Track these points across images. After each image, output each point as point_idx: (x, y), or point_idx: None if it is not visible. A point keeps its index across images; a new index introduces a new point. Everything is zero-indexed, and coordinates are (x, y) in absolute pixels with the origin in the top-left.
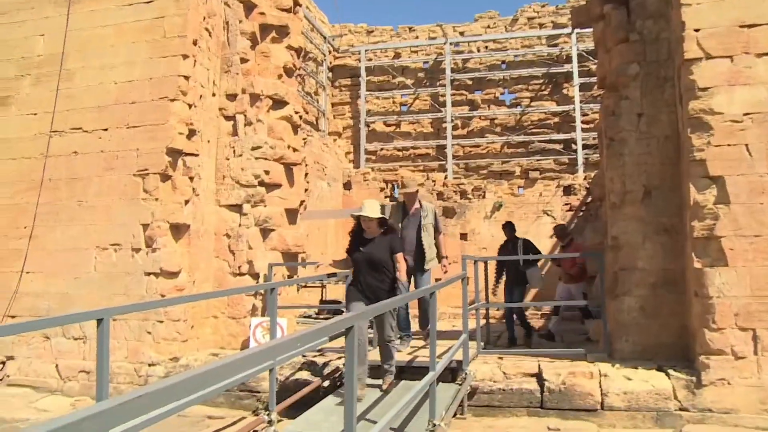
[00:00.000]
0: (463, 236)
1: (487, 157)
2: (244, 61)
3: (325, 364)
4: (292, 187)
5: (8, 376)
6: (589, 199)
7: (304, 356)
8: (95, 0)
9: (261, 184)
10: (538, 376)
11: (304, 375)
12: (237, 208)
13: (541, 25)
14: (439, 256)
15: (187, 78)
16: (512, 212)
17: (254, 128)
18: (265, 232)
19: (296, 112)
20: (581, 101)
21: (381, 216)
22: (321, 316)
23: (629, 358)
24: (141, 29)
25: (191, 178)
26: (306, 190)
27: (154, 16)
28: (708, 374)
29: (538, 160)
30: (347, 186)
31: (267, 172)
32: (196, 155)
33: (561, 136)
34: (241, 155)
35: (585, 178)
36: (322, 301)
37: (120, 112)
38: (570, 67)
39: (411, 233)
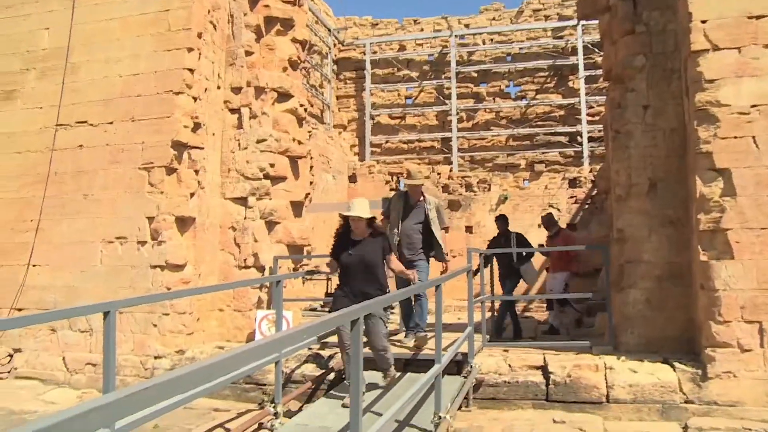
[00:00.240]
0: (469, 229)
1: (493, 150)
2: (248, 53)
3: (331, 357)
4: (297, 179)
5: (16, 368)
6: (595, 191)
7: (309, 349)
8: None
9: (266, 176)
10: (544, 369)
11: (310, 368)
12: (242, 200)
13: (547, 17)
14: (440, 254)
15: (192, 71)
16: (518, 205)
17: (259, 121)
18: (271, 225)
19: (301, 105)
20: (587, 93)
21: (371, 216)
22: (326, 309)
23: (634, 351)
24: (146, 22)
25: (196, 171)
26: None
27: (158, 9)
28: (714, 367)
29: (543, 153)
30: (352, 179)
31: (272, 165)
32: (201, 148)
33: (566, 128)
34: (246, 148)
35: (590, 171)
36: (327, 294)
37: (125, 106)
38: (575, 59)
39: (412, 225)
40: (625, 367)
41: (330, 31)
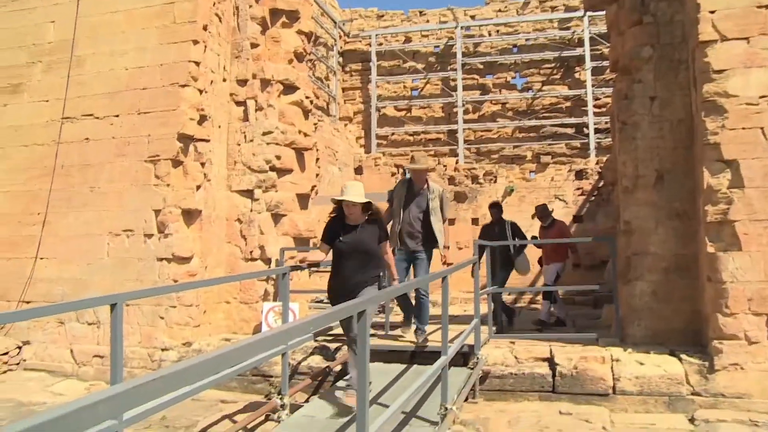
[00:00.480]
0: (475, 221)
1: (499, 142)
2: (254, 46)
3: (338, 349)
4: (303, 172)
5: (24, 360)
6: (601, 183)
7: (316, 341)
8: None
9: (272, 169)
10: (550, 361)
11: (317, 359)
12: (248, 193)
13: (553, 8)
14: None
15: (197, 64)
16: (524, 197)
17: (265, 113)
18: (277, 217)
19: (307, 97)
20: (593, 85)
21: (366, 201)
22: None
23: (641, 343)
24: (151, 15)
25: (202, 164)
26: (317, 175)
27: (163, 1)
28: (721, 359)
29: (549, 145)
30: (358, 171)
31: (278, 158)
32: (207, 141)
33: (573, 120)
34: (252, 140)
35: (597, 163)
36: None
37: (131, 99)
38: (582, 50)
39: (413, 213)
40: (631, 359)
41: (335, 22)
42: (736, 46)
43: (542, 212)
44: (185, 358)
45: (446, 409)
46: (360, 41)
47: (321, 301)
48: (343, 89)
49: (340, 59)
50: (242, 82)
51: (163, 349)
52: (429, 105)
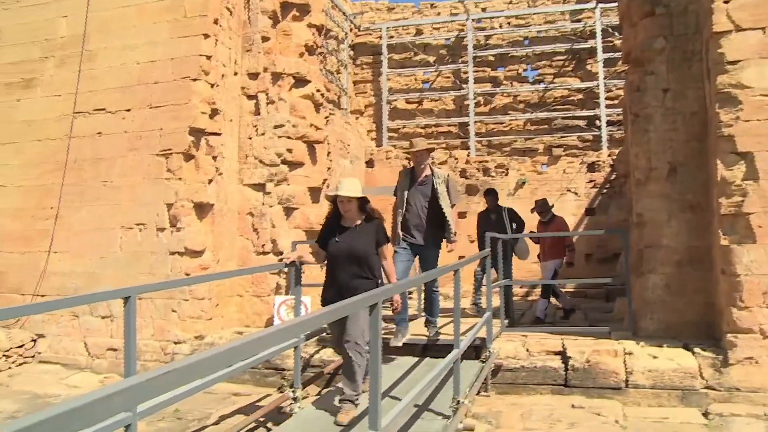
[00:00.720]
0: None
1: (510, 134)
2: (265, 39)
3: None
4: (314, 165)
5: (39, 353)
6: (614, 176)
7: (328, 333)
8: None
9: (284, 162)
10: (562, 354)
11: (329, 353)
12: (260, 186)
13: (565, 0)
14: (449, 234)
15: (208, 57)
16: (536, 189)
17: (276, 107)
18: (288, 211)
19: (318, 91)
20: (605, 77)
21: (362, 196)
22: None
23: (654, 336)
24: (162, 9)
25: (214, 158)
26: (329, 168)
27: None
28: (735, 353)
29: (561, 137)
30: (370, 164)
31: (290, 151)
32: (219, 134)
33: (585, 112)
34: (263, 134)
35: (609, 155)
36: None
37: (143, 93)
38: (594, 42)
39: (418, 203)
40: (644, 353)
41: (346, 16)
42: (751, 37)
43: (542, 207)
44: (198, 351)
45: (458, 402)
46: (371, 34)
47: None
48: (354, 82)
49: (351, 52)
50: (253, 76)
51: (175, 342)
52: (440, 98)
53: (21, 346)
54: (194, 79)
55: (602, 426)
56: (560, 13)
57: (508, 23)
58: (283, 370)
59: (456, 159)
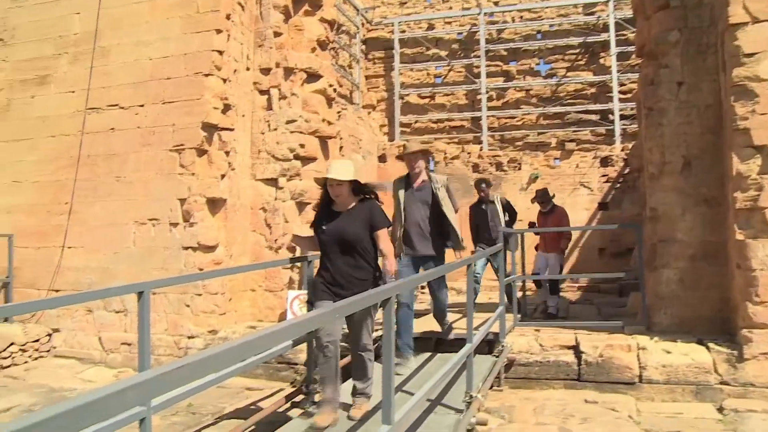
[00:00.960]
0: None
1: (523, 129)
2: (277, 34)
3: None
4: (327, 160)
5: (54, 347)
6: (627, 170)
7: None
8: None
9: (296, 157)
10: (575, 349)
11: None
12: (273, 181)
13: None
14: (456, 242)
15: (221, 53)
16: (548, 184)
17: (289, 102)
18: (301, 206)
19: (330, 86)
20: (618, 71)
21: (353, 179)
22: None
23: (668, 331)
24: (174, 5)
25: (227, 153)
26: None
27: None
28: (750, 348)
29: (574, 132)
30: (382, 159)
31: (302, 146)
32: (232, 130)
33: (598, 106)
34: (276, 129)
35: (622, 149)
36: None
37: (155, 88)
38: (607, 36)
39: (418, 213)
40: (658, 348)
41: (358, 10)
42: None
43: (542, 197)
44: (211, 345)
45: (471, 396)
46: (383, 29)
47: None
48: (366, 77)
49: (363, 47)
50: (265, 71)
51: (189, 337)
52: (452, 92)
53: (37, 340)
54: (207, 75)
55: (615, 421)
56: (573, 7)
57: (521, 17)
58: (296, 364)
59: (468, 153)
